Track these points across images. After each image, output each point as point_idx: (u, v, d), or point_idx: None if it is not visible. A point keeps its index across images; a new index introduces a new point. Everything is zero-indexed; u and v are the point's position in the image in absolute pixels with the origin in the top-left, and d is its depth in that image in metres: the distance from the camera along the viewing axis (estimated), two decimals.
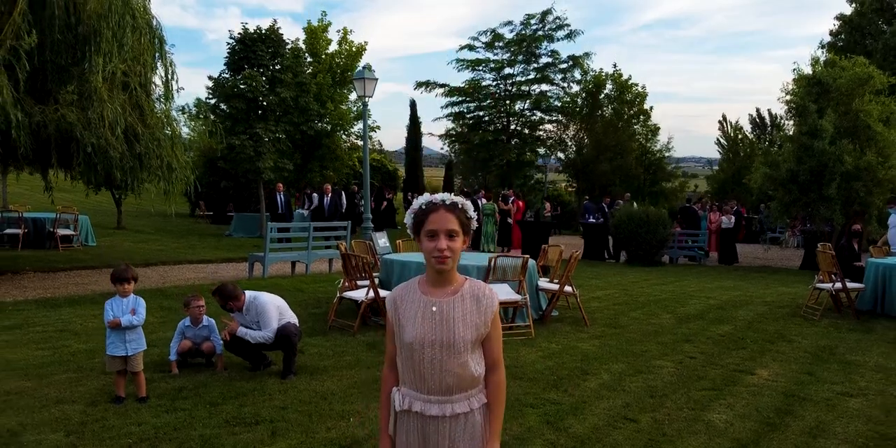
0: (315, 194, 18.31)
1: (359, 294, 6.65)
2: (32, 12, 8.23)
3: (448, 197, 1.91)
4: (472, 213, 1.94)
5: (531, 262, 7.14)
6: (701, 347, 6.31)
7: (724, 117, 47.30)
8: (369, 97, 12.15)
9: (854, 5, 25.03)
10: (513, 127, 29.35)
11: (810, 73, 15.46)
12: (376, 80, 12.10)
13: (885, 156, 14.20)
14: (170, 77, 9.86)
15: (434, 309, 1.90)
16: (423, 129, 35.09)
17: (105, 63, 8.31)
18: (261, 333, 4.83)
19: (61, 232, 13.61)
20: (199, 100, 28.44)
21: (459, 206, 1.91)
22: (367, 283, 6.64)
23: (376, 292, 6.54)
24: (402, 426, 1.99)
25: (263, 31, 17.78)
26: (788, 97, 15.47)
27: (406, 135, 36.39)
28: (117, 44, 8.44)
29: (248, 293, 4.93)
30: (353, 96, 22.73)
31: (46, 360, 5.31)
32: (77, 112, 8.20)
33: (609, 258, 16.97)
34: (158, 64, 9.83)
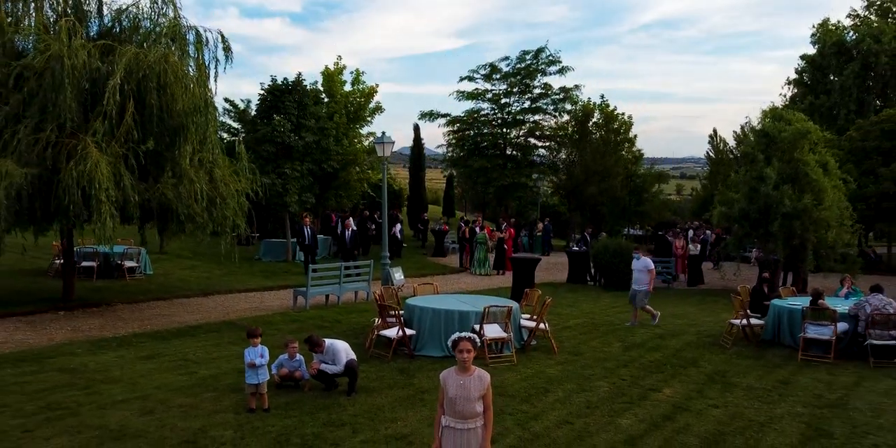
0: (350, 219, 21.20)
1: (391, 332, 9.30)
2: (137, 112, 10.90)
3: (468, 335, 4.46)
4: (478, 341, 4.51)
5: (515, 307, 9.78)
6: (633, 372, 8.94)
7: (715, 131, 49.87)
8: (387, 158, 14.84)
9: (817, 46, 27.71)
10: (509, 152, 32.00)
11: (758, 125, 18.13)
12: (393, 142, 14.78)
13: (819, 199, 16.79)
14: (220, 148, 12.48)
15: (461, 382, 4.41)
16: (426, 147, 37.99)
17: (193, 151, 10.98)
18: (335, 368, 7.48)
19: (127, 264, 16.25)
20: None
21: (473, 338, 4.45)
22: (394, 320, 9.32)
23: (403, 331, 9.20)
24: (445, 434, 4.49)
25: (290, 83, 20.47)
26: (742, 146, 18.15)
27: (410, 155, 39.15)
28: (200, 136, 11.11)
29: (327, 341, 7.58)
30: (364, 130, 25.50)
31: (188, 383, 7.94)
32: (172, 189, 10.85)
33: (590, 281, 19.59)
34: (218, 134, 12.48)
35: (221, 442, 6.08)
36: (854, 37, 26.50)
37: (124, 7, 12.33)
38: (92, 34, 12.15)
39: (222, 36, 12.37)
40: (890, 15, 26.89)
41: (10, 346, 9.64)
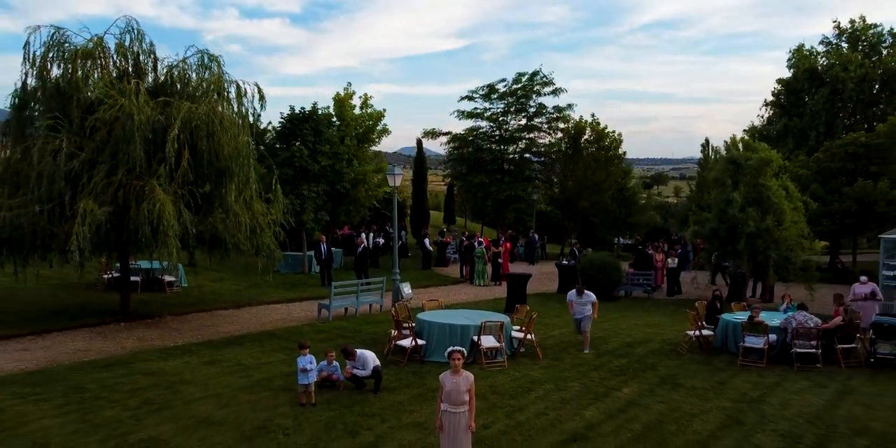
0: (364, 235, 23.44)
1: (406, 342, 11.44)
2: (191, 157, 13.02)
3: (460, 348, 6.65)
4: (466, 352, 6.71)
5: (506, 321, 11.91)
6: (601, 374, 11.06)
7: (707, 141, 52.06)
8: (396, 187, 17.03)
9: (792, 71, 29.86)
10: (506, 167, 34.13)
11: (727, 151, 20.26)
12: (402, 174, 16.97)
13: (780, 220, 18.93)
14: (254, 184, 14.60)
15: (454, 380, 6.58)
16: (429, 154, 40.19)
17: (238, 190, 13.12)
18: (364, 372, 9.62)
19: (167, 278, 18.39)
20: None
21: (463, 351, 6.67)
22: (408, 332, 11.46)
23: (416, 341, 11.33)
24: (444, 416, 6.67)
25: (307, 112, 22.67)
26: (715, 174, 20.34)
27: (413, 167, 41.31)
28: (243, 177, 13.25)
29: (358, 351, 9.71)
30: (371, 149, 27.69)
31: (247, 384, 10.06)
32: (221, 222, 12.99)
33: None
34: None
35: (285, 428, 8.21)
36: (826, 62, 28.64)
37: (175, 63, 14.46)
38: (148, 86, 14.24)
39: (258, 87, 14.61)
40: (859, 43, 29.00)
41: (94, 354, 11.78)
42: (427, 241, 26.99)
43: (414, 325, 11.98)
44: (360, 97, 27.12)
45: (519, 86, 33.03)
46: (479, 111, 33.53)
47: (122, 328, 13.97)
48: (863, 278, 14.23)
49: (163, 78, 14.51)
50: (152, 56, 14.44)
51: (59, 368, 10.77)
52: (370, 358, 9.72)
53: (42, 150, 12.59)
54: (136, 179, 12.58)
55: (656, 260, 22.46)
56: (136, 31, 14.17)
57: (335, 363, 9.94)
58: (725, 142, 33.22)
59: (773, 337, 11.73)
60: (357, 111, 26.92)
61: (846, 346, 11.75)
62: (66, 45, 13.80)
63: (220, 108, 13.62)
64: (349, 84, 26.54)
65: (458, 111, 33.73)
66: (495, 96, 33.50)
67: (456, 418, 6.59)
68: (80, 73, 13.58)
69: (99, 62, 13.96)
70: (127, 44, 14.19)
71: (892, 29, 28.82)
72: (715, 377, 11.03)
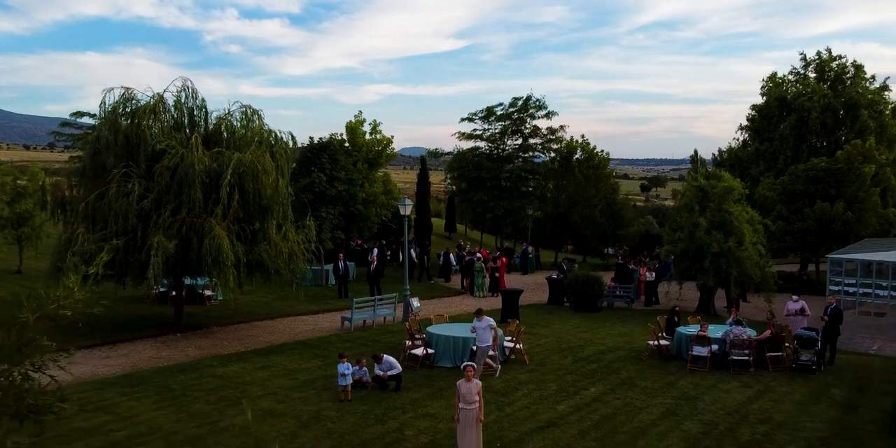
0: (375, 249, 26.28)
1: (418, 351, 14.21)
2: (240, 197, 15.79)
3: (471, 363, 9.44)
4: (476, 366, 9.50)
5: (500, 334, 14.67)
6: (575, 377, 13.82)
7: (696, 152, 54.67)
8: (406, 216, 19.83)
9: (764, 98, 32.65)
10: (503, 184, 36.93)
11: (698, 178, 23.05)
12: (411, 204, 19.77)
13: (741, 242, 21.68)
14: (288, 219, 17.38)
15: (467, 386, 9.29)
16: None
17: (278, 224, 15.91)
18: (391, 372, 12.40)
19: (206, 292, 21.16)
20: None
21: (474, 364, 9.51)
22: (420, 342, 14.24)
23: (427, 350, 14.10)
24: (460, 412, 9.38)
25: (325, 142, 25.47)
26: (685, 201, 23.16)
27: (417, 181, 44.08)
28: (282, 213, 16.04)
29: (385, 356, 12.48)
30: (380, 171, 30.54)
31: (296, 384, 12.82)
32: (265, 252, 15.77)
33: (566, 303, 24.44)
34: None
35: (332, 418, 10.98)
36: (794, 91, 31.39)
37: (223, 115, 17.25)
38: (200, 135, 16.99)
39: (292, 135, 17.51)
40: (824, 73, 31.74)
41: (165, 361, 14.54)
42: (452, 256, 29.72)
43: (424, 336, 14.74)
44: (370, 124, 30.05)
45: (515, 109, 35.90)
46: (478, 133, 36.38)
47: (178, 338, 16.73)
48: (794, 297, 16.99)
49: (212, 128, 17.28)
50: (204, 110, 17.24)
51: (143, 372, 13.53)
52: (394, 362, 12.50)
53: (117, 192, 15.35)
54: (197, 217, 15.34)
55: (641, 273, 25.20)
56: (190, 90, 16.98)
57: (364, 368, 12.70)
58: (713, 154, 36.18)
59: (715, 347, 14.49)
60: (367, 137, 29.83)
61: (774, 354, 14.52)
62: (133, 101, 16.56)
63: (261, 155, 16.33)
64: (360, 112, 29.44)
65: (458, 132, 36.61)
66: (493, 118, 36.35)
67: (469, 413, 9.30)
68: (144, 124, 16.34)
69: (160, 116, 16.71)
70: (183, 100, 16.96)
71: (854, 61, 31.58)
72: (665, 379, 13.79)
